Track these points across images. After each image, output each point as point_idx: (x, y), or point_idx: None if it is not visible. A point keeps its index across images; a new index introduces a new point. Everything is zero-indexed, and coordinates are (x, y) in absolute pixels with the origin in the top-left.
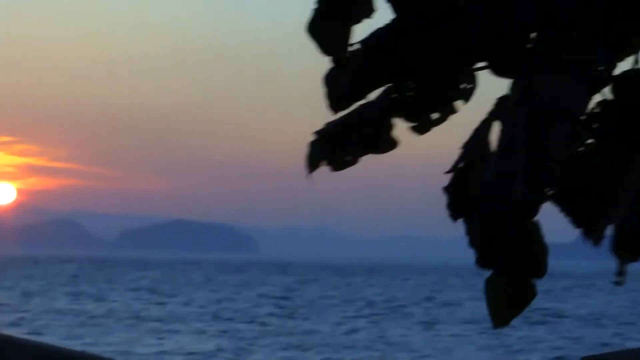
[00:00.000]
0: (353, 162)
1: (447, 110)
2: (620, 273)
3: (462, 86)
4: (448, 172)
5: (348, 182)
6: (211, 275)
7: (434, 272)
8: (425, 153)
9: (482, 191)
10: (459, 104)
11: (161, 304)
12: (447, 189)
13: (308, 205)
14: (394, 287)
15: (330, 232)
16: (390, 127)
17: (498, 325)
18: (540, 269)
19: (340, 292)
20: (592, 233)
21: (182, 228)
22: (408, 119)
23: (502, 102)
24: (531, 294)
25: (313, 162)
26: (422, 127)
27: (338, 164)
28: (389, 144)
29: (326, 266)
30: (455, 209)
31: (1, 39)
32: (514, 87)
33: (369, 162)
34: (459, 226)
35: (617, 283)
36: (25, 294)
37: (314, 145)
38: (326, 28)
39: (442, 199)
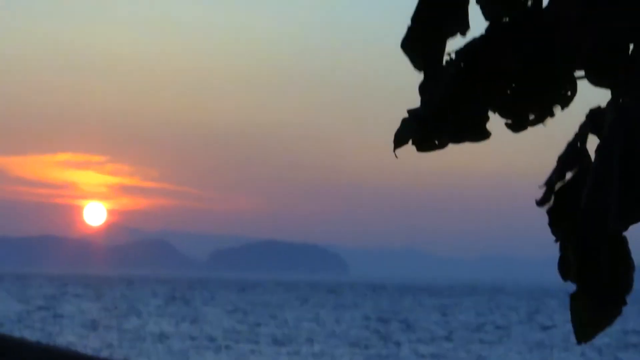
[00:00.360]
0: (440, 146)
1: (545, 113)
2: None
3: (562, 92)
4: (542, 186)
5: (435, 203)
6: (307, 296)
7: (527, 293)
8: (512, 173)
9: (578, 215)
10: (557, 108)
11: (275, 321)
12: (539, 203)
13: (397, 225)
14: (489, 309)
15: (419, 252)
16: (485, 118)
17: (581, 340)
18: (626, 285)
19: (438, 313)
20: None
21: (273, 249)
22: (504, 115)
23: (595, 114)
24: (616, 310)
25: (400, 139)
26: (518, 124)
27: (424, 145)
28: (481, 135)
29: (418, 287)
30: (557, 227)
31: (93, 57)
32: (611, 107)
33: (451, 183)
34: (549, 246)
35: None
36: (122, 315)
37: (405, 123)
38: (419, 44)
39: (533, 218)
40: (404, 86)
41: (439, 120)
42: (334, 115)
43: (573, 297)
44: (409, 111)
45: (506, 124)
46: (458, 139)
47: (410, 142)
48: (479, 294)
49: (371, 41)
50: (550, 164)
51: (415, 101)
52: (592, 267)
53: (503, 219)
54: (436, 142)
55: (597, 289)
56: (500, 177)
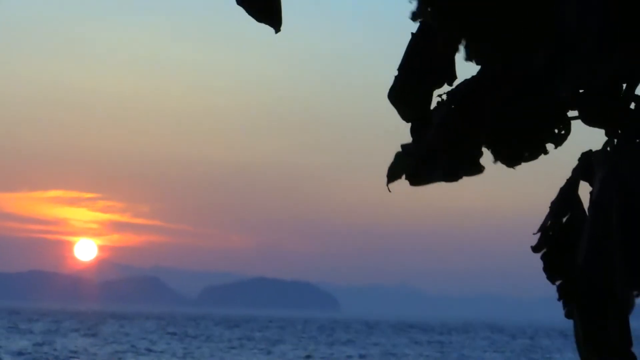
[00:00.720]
0: (433, 180)
1: (538, 150)
2: None
3: (556, 131)
4: (537, 232)
5: (428, 241)
6: (299, 334)
7: (521, 332)
8: (506, 212)
9: (578, 275)
10: (550, 146)
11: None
12: (543, 256)
13: (389, 263)
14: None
15: (411, 290)
16: (478, 153)
17: None
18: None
19: (434, 350)
20: None
21: (264, 286)
22: (498, 154)
23: (586, 158)
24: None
25: (394, 174)
26: (512, 160)
27: (417, 179)
28: (474, 168)
29: (410, 325)
30: (552, 272)
31: (83, 96)
32: (601, 160)
33: (444, 221)
34: (542, 286)
35: None
36: (122, 352)
37: (398, 157)
38: (406, 94)
39: (526, 258)
40: (397, 125)
41: (432, 155)
42: (327, 155)
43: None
44: (403, 146)
45: (500, 159)
46: (452, 174)
47: (403, 176)
48: (473, 332)
49: (366, 81)
50: (545, 201)
51: (408, 138)
52: (597, 327)
53: (497, 258)
54: (429, 176)
55: (604, 348)
56: (495, 217)
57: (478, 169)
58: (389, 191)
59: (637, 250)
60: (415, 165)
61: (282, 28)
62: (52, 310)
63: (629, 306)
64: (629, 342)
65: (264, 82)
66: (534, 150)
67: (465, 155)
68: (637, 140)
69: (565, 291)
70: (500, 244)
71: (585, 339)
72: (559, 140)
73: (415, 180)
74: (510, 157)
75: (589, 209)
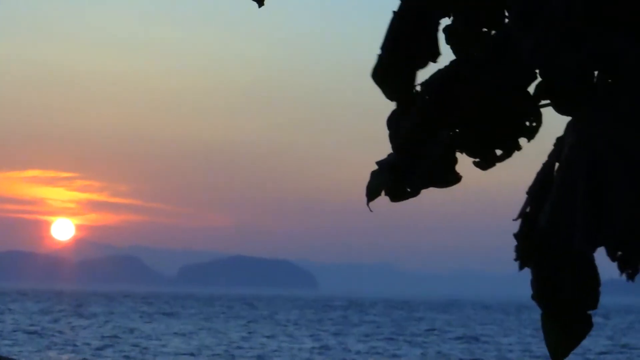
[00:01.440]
0: (413, 194)
1: (511, 147)
2: None
3: (527, 123)
4: (516, 218)
5: (407, 218)
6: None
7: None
8: (486, 189)
9: (537, 235)
10: (523, 141)
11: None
12: (516, 236)
13: (368, 241)
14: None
15: (390, 268)
16: (453, 161)
17: (556, 358)
18: (592, 300)
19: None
20: (626, 267)
21: (242, 264)
22: (472, 154)
23: (561, 142)
24: (587, 326)
25: (373, 191)
26: (486, 162)
27: (397, 195)
28: (452, 178)
29: (390, 302)
30: (524, 255)
31: (62, 75)
32: (570, 130)
33: (427, 199)
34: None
35: None
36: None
37: (375, 175)
38: (390, 74)
39: (505, 233)
40: (373, 106)
41: (406, 169)
42: (305, 133)
43: (542, 317)
44: (378, 163)
45: (474, 163)
46: (428, 185)
47: (382, 193)
48: (456, 308)
49: (346, 60)
50: (524, 180)
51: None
52: (553, 288)
53: (477, 235)
54: (408, 190)
55: (559, 310)
56: (472, 192)
57: (454, 178)
58: (370, 210)
59: (598, 209)
60: (392, 179)
61: (264, 4)
62: (32, 290)
63: (587, 262)
64: (584, 301)
65: (242, 61)
66: (507, 147)
67: (440, 163)
68: (608, 106)
69: (523, 251)
70: (482, 221)
71: (540, 296)
72: (531, 133)
73: (395, 196)
74: (484, 158)
75: (556, 172)
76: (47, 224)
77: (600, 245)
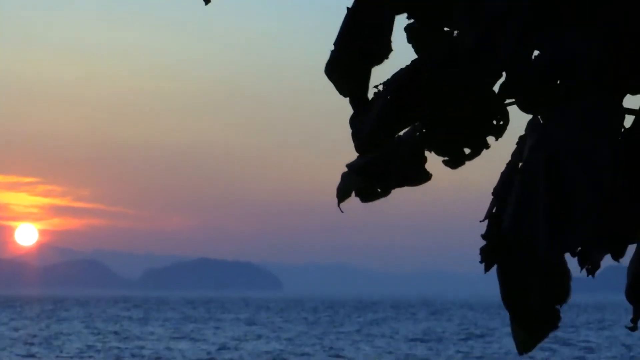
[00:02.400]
0: (383, 194)
1: (480, 145)
2: (635, 319)
3: (494, 122)
4: (484, 219)
5: (367, 218)
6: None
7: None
8: (444, 186)
9: (503, 238)
10: (490, 139)
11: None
12: (484, 237)
13: (330, 242)
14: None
15: (352, 268)
16: (422, 159)
17: (522, 352)
18: (562, 294)
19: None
20: (586, 263)
21: (206, 267)
22: (440, 153)
23: (523, 141)
24: (554, 319)
25: (344, 193)
26: (454, 161)
27: (368, 195)
28: (421, 177)
29: (350, 302)
30: (489, 257)
31: (23, 81)
32: (530, 130)
33: (395, 199)
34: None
35: (632, 329)
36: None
37: (345, 177)
38: (343, 70)
39: (468, 232)
40: (332, 103)
41: (375, 169)
42: (262, 135)
43: (510, 317)
44: (348, 165)
45: (444, 162)
46: (399, 184)
47: (353, 194)
48: (421, 307)
49: (300, 59)
50: (489, 178)
51: (343, 116)
52: (521, 293)
53: (437, 234)
54: (379, 190)
55: (527, 314)
56: (432, 190)
57: (424, 177)
58: (341, 212)
59: (560, 213)
60: (363, 180)
61: (212, 4)
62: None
63: (551, 266)
64: (552, 300)
65: (197, 63)
66: (475, 146)
67: (409, 163)
68: (566, 109)
69: (487, 253)
70: (444, 219)
71: (507, 302)
72: (499, 132)
73: (365, 197)
74: (452, 156)
75: (517, 174)
76: (10, 229)
77: (564, 252)
